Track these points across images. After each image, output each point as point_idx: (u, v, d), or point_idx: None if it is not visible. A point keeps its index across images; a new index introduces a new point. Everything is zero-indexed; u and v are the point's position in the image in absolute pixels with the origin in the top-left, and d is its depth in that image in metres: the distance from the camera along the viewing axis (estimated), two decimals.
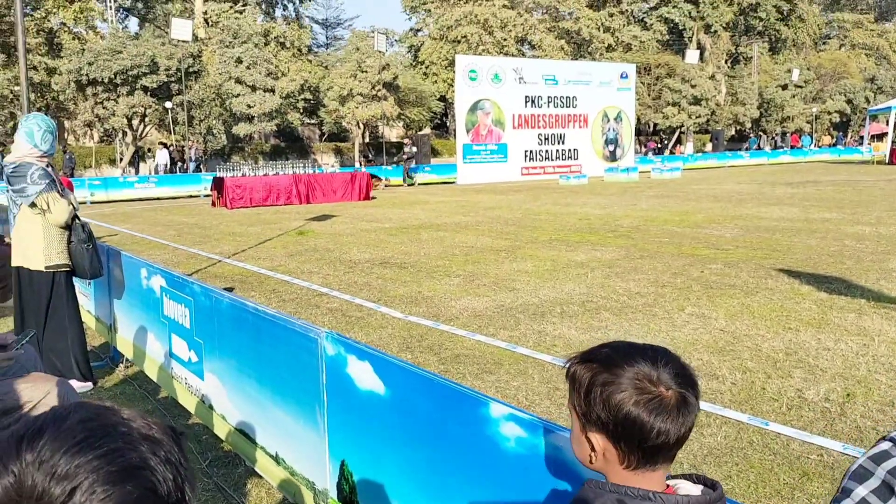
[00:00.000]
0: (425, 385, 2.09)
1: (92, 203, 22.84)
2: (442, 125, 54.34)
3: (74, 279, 4.93)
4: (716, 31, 53.82)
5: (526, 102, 30.78)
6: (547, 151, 31.56)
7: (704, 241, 10.58)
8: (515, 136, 30.54)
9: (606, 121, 33.27)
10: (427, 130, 47.23)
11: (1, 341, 2.60)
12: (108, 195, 23.63)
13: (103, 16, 40.37)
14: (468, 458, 1.93)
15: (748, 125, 51.91)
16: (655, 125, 50.79)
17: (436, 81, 47.94)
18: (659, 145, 47.76)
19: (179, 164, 33.27)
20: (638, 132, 44.55)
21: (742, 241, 10.50)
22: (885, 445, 1.23)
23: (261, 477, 3.33)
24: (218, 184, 20.09)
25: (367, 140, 43.07)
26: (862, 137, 51.68)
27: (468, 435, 1.92)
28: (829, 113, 54.19)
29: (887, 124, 36.41)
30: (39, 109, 34.88)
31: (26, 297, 4.63)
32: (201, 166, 33.52)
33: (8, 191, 4.63)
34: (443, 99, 48.05)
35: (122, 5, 43.67)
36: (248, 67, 35.59)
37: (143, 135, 35.11)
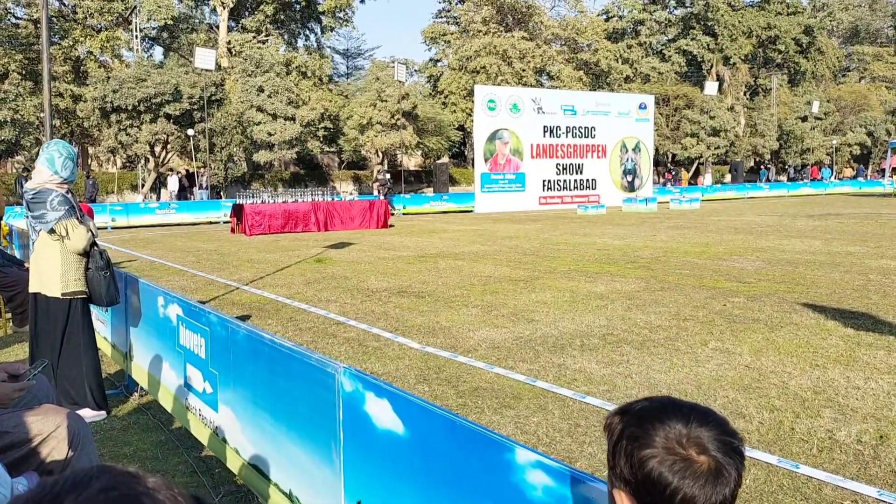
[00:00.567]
0: (447, 426, 2.00)
1: (113, 228, 23.05)
2: (460, 154, 54.57)
3: (91, 306, 4.90)
4: (734, 64, 53.90)
5: (544, 132, 30.86)
6: (565, 181, 31.54)
7: (726, 274, 10.43)
8: (533, 166, 30.57)
9: (625, 151, 33.25)
10: (445, 159, 47.44)
11: (13, 371, 2.56)
12: (129, 220, 23.86)
13: (129, 45, 41.14)
14: None
15: (767, 157, 51.67)
16: (674, 156, 50.67)
17: (454, 111, 48.23)
18: (671, 175, 47.55)
19: (190, 190, 33.53)
20: (656, 163, 44.44)
21: (764, 274, 10.34)
22: None
23: None
24: (237, 210, 20.21)
25: (385, 168, 43.26)
26: (883, 170, 51.26)
27: (492, 481, 1.83)
28: (850, 145, 53.85)
29: None
30: (64, 136, 35.48)
31: (42, 323, 4.60)
32: (221, 193, 33.78)
33: (27, 217, 4.63)
34: (461, 128, 48.30)
35: (147, 35, 44.50)
36: (269, 96, 36.02)
37: (165, 161, 35.55)
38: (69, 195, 4.60)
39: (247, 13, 47.09)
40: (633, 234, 17.41)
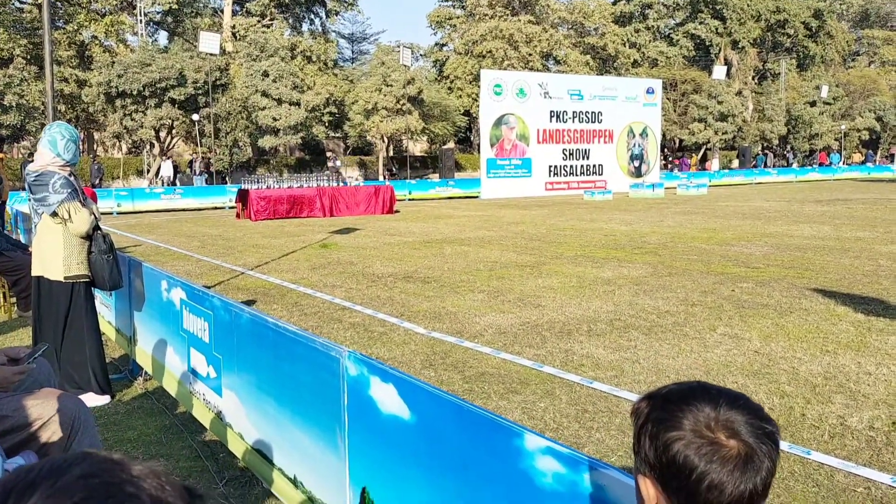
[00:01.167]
0: (455, 412, 1.95)
1: (118, 213, 23.04)
2: (466, 140, 54.40)
3: (95, 290, 4.87)
4: (743, 48, 53.43)
5: (551, 117, 30.66)
6: (571, 167, 31.38)
7: (734, 259, 10.35)
8: (540, 151, 30.40)
9: (632, 136, 33.03)
10: (451, 145, 47.28)
11: (13, 355, 2.52)
12: (135, 206, 23.84)
13: (133, 29, 41.01)
14: (499, 493, 1.79)
15: (775, 142, 51.34)
16: (681, 141, 50.39)
17: (460, 96, 48.03)
18: (678, 161, 47.28)
19: (182, 175, 33.43)
20: (663, 148, 44.20)
21: (773, 260, 10.25)
22: None
23: (278, 499, 3.21)
24: (242, 196, 20.17)
25: (391, 154, 43.19)
26: (892, 155, 50.90)
27: (500, 468, 1.78)
28: (859, 130, 53.47)
29: None
30: (69, 121, 35.43)
31: (44, 307, 4.57)
32: (226, 178, 33.68)
33: (30, 200, 4.58)
34: (467, 113, 48.11)
35: (151, 19, 44.34)
36: (274, 81, 35.90)
37: (171, 146, 35.51)
38: (72, 178, 4.55)
39: None
40: (640, 220, 17.31)
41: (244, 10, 47.23)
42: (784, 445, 3.76)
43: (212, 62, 32.14)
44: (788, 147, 52.03)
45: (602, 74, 46.77)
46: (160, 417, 4.46)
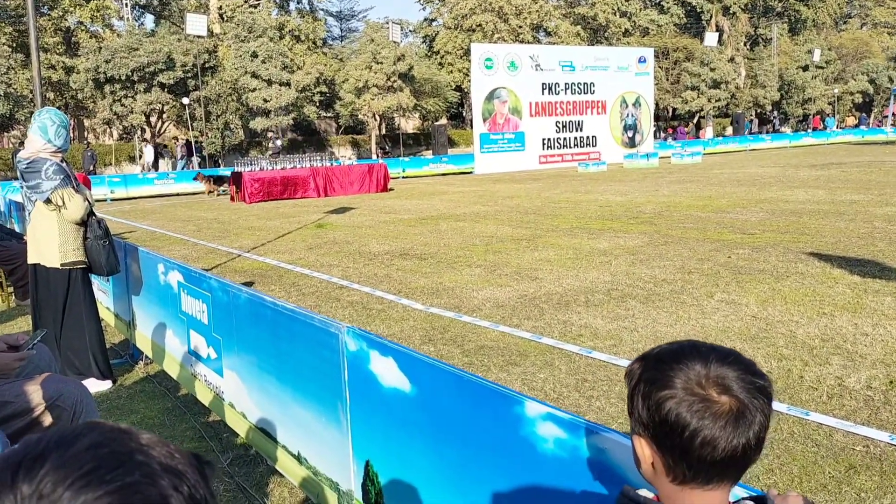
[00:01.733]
0: (454, 382, 1.96)
1: (112, 200, 22.95)
2: (458, 115, 54.12)
3: (92, 276, 4.86)
4: (734, 13, 53.07)
5: (543, 90, 30.50)
6: (565, 139, 31.27)
7: (730, 226, 10.36)
8: (533, 124, 30.28)
9: (625, 106, 32.90)
10: (443, 121, 47.05)
11: (12, 342, 2.52)
12: (128, 192, 23.74)
13: (119, 13, 40.54)
14: (502, 460, 1.80)
15: (769, 108, 51.17)
16: (674, 110, 50.19)
17: (451, 71, 47.70)
18: (672, 130, 47.10)
19: (189, 159, 33.17)
20: (657, 117, 44.04)
21: (768, 225, 10.26)
22: None
23: (283, 476, 3.23)
24: (236, 178, 20.09)
25: (383, 132, 42.98)
26: (886, 117, 50.80)
27: (502, 436, 1.79)
28: (852, 93, 53.33)
29: None
30: (59, 108, 35.10)
31: (42, 294, 4.56)
32: (219, 161, 33.47)
33: (22, 187, 4.55)
34: (459, 89, 47.81)
35: (137, 2, 43.83)
36: (263, 62, 35.59)
37: (162, 131, 35.27)
38: (63, 164, 4.52)
39: None
40: (634, 190, 17.30)
41: None
42: (783, 407, 3.79)
43: (200, 45, 31.84)
44: (774, 112, 51.75)
45: (593, 45, 46.45)
46: (162, 400, 4.48)
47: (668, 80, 49.20)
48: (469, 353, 5.03)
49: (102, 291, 6.30)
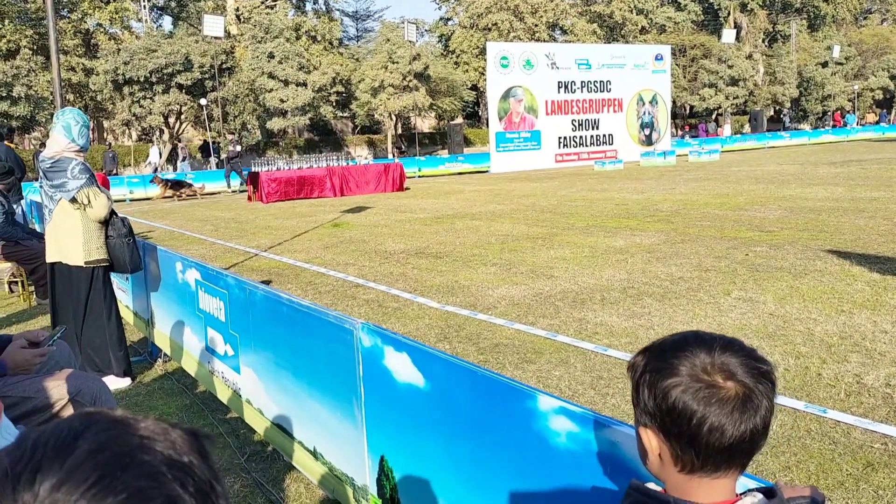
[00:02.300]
0: (468, 377, 1.97)
1: (131, 200, 23.17)
2: (474, 114, 54.10)
3: (112, 274, 4.92)
4: (752, 10, 52.61)
5: (559, 88, 30.41)
6: (581, 137, 31.17)
7: (747, 224, 10.29)
8: (549, 123, 30.21)
9: (641, 104, 32.73)
10: (459, 120, 47.05)
11: (33, 338, 2.56)
12: (147, 192, 23.95)
13: (138, 15, 40.92)
14: (515, 454, 1.81)
15: (787, 105, 50.69)
16: (692, 107, 49.85)
17: (467, 70, 47.69)
18: (689, 128, 46.76)
19: (207, 160, 33.36)
20: (674, 115, 43.76)
21: (787, 223, 10.18)
22: None
23: (300, 472, 3.26)
24: (253, 178, 20.22)
25: (399, 131, 43.06)
26: None
27: (515, 430, 1.80)
28: (872, 90, 52.65)
29: None
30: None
31: (62, 292, 4.62)
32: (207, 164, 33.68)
33: (43, 186, 4.61)
34: (474, 88, 47.80)
35: (155, 4, 44.22)
36: (280, 62, 35.77)
37: (180, 132, 35.54)
38: (86, 164, 4.60)
39: None
40: (651, 188, 17.21)
41: None
42: (800, 405, 3.77)
43: (217, 46, 32.07)
44: (782, 109, 51.14)
45: (610, 43, 46.24)
46: (180, 397, 4.53)
47: (685, 77, 48.88)
48: (484, 350, 5.04)
49: (122, 290, 6.37)
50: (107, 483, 0.57)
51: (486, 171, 28.78)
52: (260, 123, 37.98)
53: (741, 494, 1.09)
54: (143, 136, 39.35)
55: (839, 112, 50.92)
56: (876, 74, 52.34)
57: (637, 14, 51.69)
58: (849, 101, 51.03)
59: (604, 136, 31.68)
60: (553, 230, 10.82)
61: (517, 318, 5.86)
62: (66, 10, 37.94)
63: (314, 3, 51.41)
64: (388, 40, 39.24)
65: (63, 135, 4.47)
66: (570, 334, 5.31)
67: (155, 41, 32.52)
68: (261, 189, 19.48)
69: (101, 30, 39.76)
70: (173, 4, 44.65)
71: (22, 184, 9.67)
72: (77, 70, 36.27)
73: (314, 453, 3.01)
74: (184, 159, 31.96)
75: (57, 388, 2.46)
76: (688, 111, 52.29)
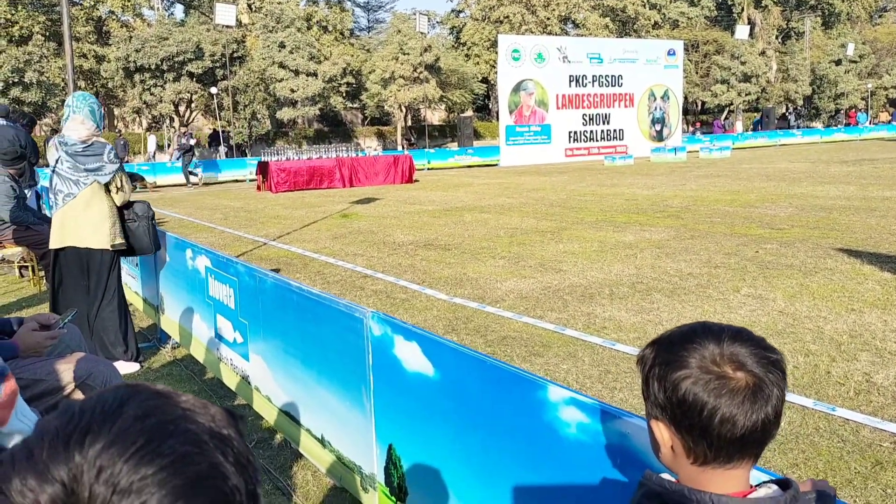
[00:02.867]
0: (478, 367, 1.97)
1: (141, 188, 23.23)
2: (484, 107, 54.00)
3: (122, 261, 4.97)
4: (766, 6, 52.24)
5: (570, 82, 30.28)
6: (591, 132, 31.05)
7: (758, 221, 10.24)
8: (559, 117, 30.09)
9: (653, 99, 32.57)
10: (469, 113, 46.96)
11: (44, 321, 2.57)
12: (157, 180, 24.01)
13: (150, 3, 40.95)
14: (524, 444, 1.81)
15: (800, 102, 50.37)
16: (703, 103, 49.60)
17: (478, 63, 47.58)
18: (700, 124, 46.51)
19: (216, 148, 33.34)
20: (685, 111, 43.56)
21: (798, 221, 10.13)
22: None
23: (307, 459, 3.27)
24: (262, 168, 20.25)
25: (409, 123, 43.01)
26: None
27: (524, 420, 1.80)
28: (886, 88, 52.24)
29: None
30: None
31: (73, 277, 4.63)
32: (246, 151, 33.68)
33: (63, 171, 4.54)
34: (485, 81, 47.69)
35: None
36: (291, 52, 35.76)
37: (190, 121, 35.59)
38: None
39: None
40: (661, 184, 17.15)
41: None
42: (809, 402, 3.76)
43: (228, 35, 32.08)
44: (790, 108, 50.77)
45: (622, 37, 46.01)
46: (189, 384, 4.55)
47: (697, 73, 48.63)
48: (492, 343, 5.04)
49: (132, 276, 6.40)
50: (154, 446, 0.59)
51: (496, 165, 28.72)
52: (270, 113, 38.00)
53: (755, 486, 1.09)
54: (154, 125, 39.45)
55: (854, 110, 50.52)
56: (890, 73, 51.92)
57: (650, 9, 51.42)
58: (862, 99, 50.66)
59: (614, 130, 31.55)
60: (562, 224, 10.80)
61: (525, 311, 5.86)
62: None
63: None
64: (400, 31, 39.17)
65: (90, 119, 4.52)
66: (579, 328, 5.31)
67: (166, 29, 32.55)
68: (270, 179, 19.50)
69: (113, 17, 39.84)
70: None
71: (36, 169, 9.71)
72: (89, 57, 36.37)
73: (322, 441, 3.02)
74: (180, 147, 31.78)
75: (68, 371, 2.48)
76: (699, 107, 52.03)
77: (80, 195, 4.54)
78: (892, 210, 10.79)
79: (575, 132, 30.61)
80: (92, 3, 38.40)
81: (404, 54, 38.00)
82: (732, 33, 46.15)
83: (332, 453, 2.94)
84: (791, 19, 55.53)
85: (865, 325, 5.08)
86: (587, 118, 30.88)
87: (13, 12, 34.02)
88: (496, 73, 32.25)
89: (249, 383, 3.80)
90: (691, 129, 45.37)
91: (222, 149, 32.02)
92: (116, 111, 42.72)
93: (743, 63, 45.31)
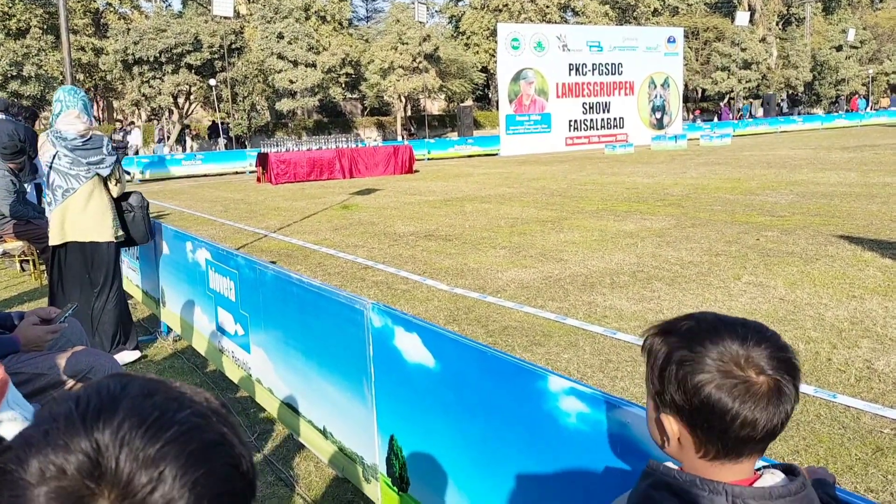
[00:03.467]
0: (478, 358, 1.97)
1: (141, 181, 23.21)
2: (484, 97, 53.83)
3: (123, 253, 4.99)
4: None
5: (570, 70, 30.18)
6: (592, 120, 30.97)
7: (759, 209, 10.23)
8: (559, 106, 30.01)
9: (653, 87, 32.47)
10: (469, 102, 46.84)
11: (45, 315, 2.57)
12: (156, 173, 23.98)
13: None
14: (525, 435, 1.82)
15: (800, 89, 50.20)
16: (704, 91, 49.44)
17: (477, 52, 47.40)
18: (699, 112, 46.36)
19: (215, 140, 33.28)
20: (686, 99, 43.41)
21: (798, 208, 10.11)
22: None
23: (309, 451, 3.28)
24: (262, 160, 20.21)
25: (408, 113, 42.91)
26: None
27: (525, 410, 1.80)
28: (887, 74, 52.04)
29: None
30: (88, 90, 35.54)
31: (76, 271, 4.64)
32: (245, 143, 33.65)
33: (61, 166, 4.53)
34: (485, 70, 47.51)
35: None
36: (289, 42, 35.64)
37: (189, 113, 35.52)
38: None
39: None
40: (662, 172, 17.12)
41: None
42: (810, 389, 3.76)
43: (226, 26, 31.96)
44: (782, 94, 50.57)
45: (622, 25, 45.80)
46: (190, 376, 4.56)
47: (697, 60, 48.45)
48: (493, 333, 5.05)
49: (132, 269, 6.40)
50: (168, 418, 0.62)
51: (496, 154, 28.66)
52: (269, 104, 37.92)
53: (758, 471, 1.09)
54: (153, 117, 39.36)
55: (856, 96, 50.32)
56: (891, 58, 51.72)
57: None
58: (863, 85, 50.48)
59: (615, 119, 31.47)
60: (563, 214, 10.79)
61: (526, 301, 5.86)
62: None
63: None
64: (398, 21, 39.01)
65: (85, 112, 4.52)
66: (580, 318, 5.31)
67: (164, 21, 32.43)
68: (270, 170, 19.48)
69: (111, 9, 39.70)
70: None
71: (36, 162, 9.69)
72: (87, 50, 36.26)
73: (324, 432, 3.03)
74: (159, 140, 31.59)
75: (69, 365, 2.48)
76: (700, 94, 51.86)
77: (80, 189, 4.53)
78: (893, 196, 10.77)
79: (575, 121, 30.53)
80: None
81: (403, 44, 37.87)
82: (732, 20, 45.94)
83: (333, 444, 2.95)
84: (791, 5, 55.26)
85: (866, 312, 5.08)
86: (587, 107, 30.79)
87: (10, 5, 33.89)
88: (496, 62, 32.12)
89: (251, 375, 3.81)
90: (691, 116, 45.26)
91: (221, 141, 31.97)
92: (115, 104, 42.64)
93: (743, 50, 45.14)
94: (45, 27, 34.53)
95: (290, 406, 3.35)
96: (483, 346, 1.99)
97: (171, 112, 34.34)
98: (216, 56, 32.11)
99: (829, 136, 30.07)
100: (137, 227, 4.83)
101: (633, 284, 6.22)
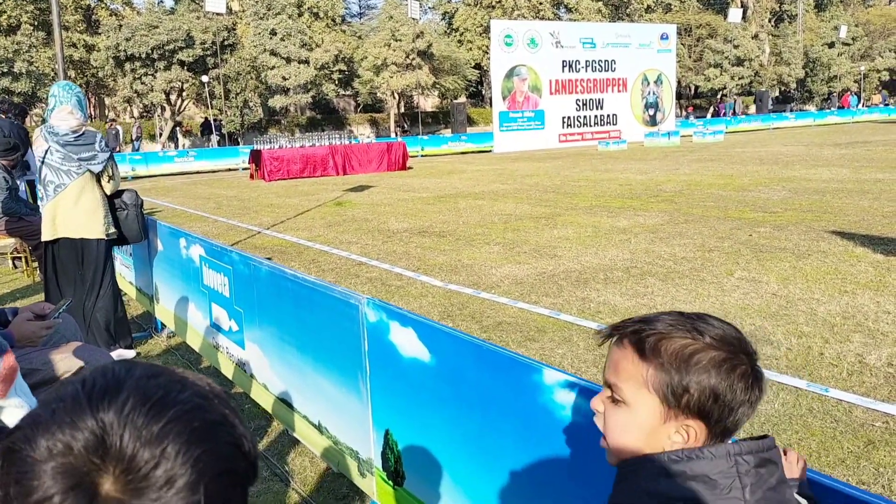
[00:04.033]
0: (474, 352, 1.98)
1: (133, 178, 23.14)
2: (477, 93, 53.80)
3: (115, 250, 4.97)
4: None
5: (563, 67, 30.19)
6: (585, 117, 31.00)
7: (751, 205, 10.26)
8: (553, 103, 30.03)
9: (646, 84, 32.51)
10: (462, 99, 46.81)
11: (39, 311, 2.57)
12: (149, 170, 23.92)
13: None
14: (520, 428, 1.83)
15: (793, 85, 50.35)
16: (696, 87, 49.53)
17: (470, 49, 47.38)
18: (692, 109, 46.43)
19: (207, 137, 33.15)
20: (679, 95, 43.49)
21: (791, 204, 10.16)
22: None
23: (304, 446, 3.29)
24: (255, 156, 20.17)
25: (402, 110, 42.86)
26: None
27: (520, 404, 1.81)
28: (878, 71, 52.27)
29: None
30: (80, 86, 35.28)
31: (69, 267, 4.62)
32: (238, 140, 33.56)
33: (53, 161, 4.51)
34: (478, 66, 47.50)
35: None
36: (282, 39, 35.56)
37: (182, 109, 35.39)
38: None
39: None
40: (655, 169, 17.16)
41: None
42: (802, 383, 3.79)
43: (219, 22, 31.86)
44: (767, 95, 50.72)
45: (615, 21, 45.84)
46: None
47: (690, 57, 48.53)
48: (487, 328, 5.05)
49: (125, 266, 6.39)
50: (171, 397, 0.64)
51: (490, 151, 28.67)
52: (262, 101, 37.83)
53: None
54: (145, 114, 39.21)
55: (848, 93, 50.51)
56: (883, 55, 51.93)
57: None
58: (855, 82, 50.66)
59: (608, 116, 31.51)
60: (556, 210, 10.81)
61: (520, 296, 5.87)
62: None
63: None
64: (392, 18, 38.96)
65: (79, 108, 4.49)
66: (573, 313, 5.32)
67: (156, 17, 32.30)
68: (263, 167, 19.44)
69: (103, 5, 39.51)
70: None
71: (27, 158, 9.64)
72: (78, 46, 36.08)
73: (319, 427, 3.03)
74: (136, 139, 31.20)
75: (64, 361, 2.48)
76: (693, 91, 51.96)
77: (71, 185, 4.51)
78: (884, 192, 10.83)
79: (568, 118, 30.56)
80: None
81: (396, 41, 37.82)
82: (725, 17, 46.03)
83: (328, 439, 2.96)
84: (784, 2, 55.41)
85: (858, 307, 5.11)
86: (580, 103, 30.81)
87: (1, 1, 33.70)
88: (489, 58, 32.12)
89: (245, 371, 3.81)
90: (684, 113, 45.35)
91: (214, 137, 31.87)
92: (107, 100, 42.45)
93: (736, 47, 45.25)
94: (36, 23, 34.35)
95: (284, 401, 3.36)
96: (479, 341, 2.00)
97: (163, 109, 34.21)
98: (208, 52, 32.01)
99: (822, 133, 30.19)
100: (130, 226, 4.79)
101: (626, 280, 6.24)
